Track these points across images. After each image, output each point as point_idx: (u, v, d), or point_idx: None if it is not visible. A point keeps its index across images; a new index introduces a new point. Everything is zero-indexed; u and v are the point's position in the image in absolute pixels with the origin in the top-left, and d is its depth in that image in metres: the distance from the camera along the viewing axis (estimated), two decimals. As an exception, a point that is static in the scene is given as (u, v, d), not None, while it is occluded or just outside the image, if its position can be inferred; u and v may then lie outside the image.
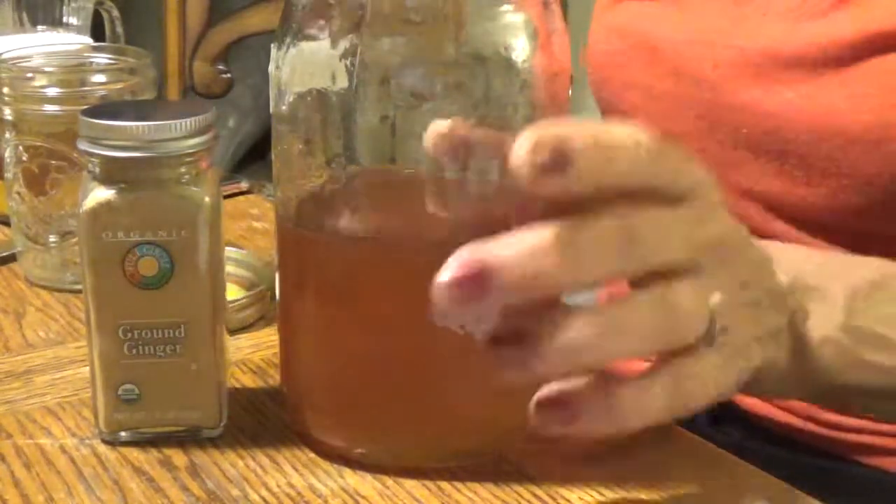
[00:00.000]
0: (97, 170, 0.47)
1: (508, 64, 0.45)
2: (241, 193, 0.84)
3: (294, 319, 0.49)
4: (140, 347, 0.48)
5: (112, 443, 0.49)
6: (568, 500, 0.46)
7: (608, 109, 0.77)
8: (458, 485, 0.47)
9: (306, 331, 0.49)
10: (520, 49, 0.45)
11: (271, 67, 0.47)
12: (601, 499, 0.46)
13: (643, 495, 0.46)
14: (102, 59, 0.71)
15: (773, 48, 0.65)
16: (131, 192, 0.47)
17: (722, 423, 0.71)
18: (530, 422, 0.43)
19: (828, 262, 0.54)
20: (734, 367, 0.46)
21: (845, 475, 0.61)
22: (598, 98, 0.78)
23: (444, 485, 0.47)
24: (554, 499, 0.46)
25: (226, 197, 0.51)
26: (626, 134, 0.40)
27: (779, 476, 0.48)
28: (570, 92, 0.48)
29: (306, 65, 0.46)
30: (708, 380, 0.44)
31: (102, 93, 0.66)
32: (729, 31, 0.68)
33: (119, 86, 0.66)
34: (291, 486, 0.47)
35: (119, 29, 0.95)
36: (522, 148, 0.38)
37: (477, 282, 0.38)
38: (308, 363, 0.49)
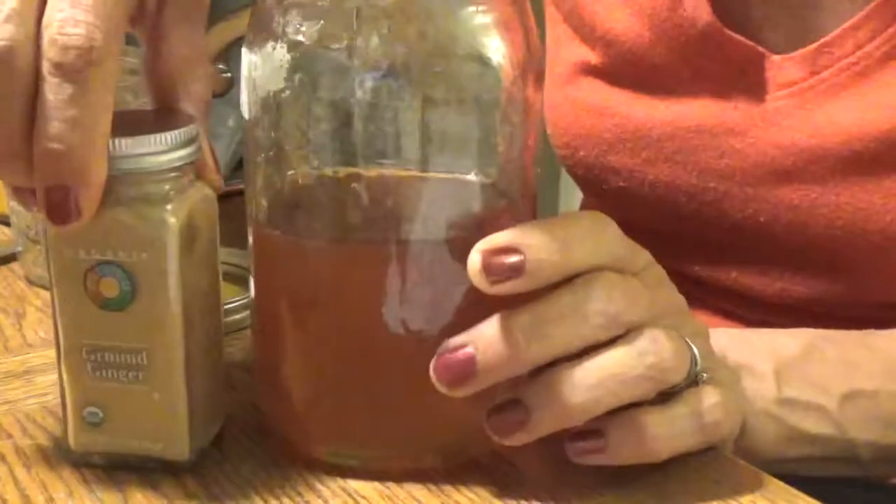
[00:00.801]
0: None
1: (481, 63, 0.45)
2: (241, 193, 0.84)
3: (268, 323, 0.49)
4: (103, 370, 0.46)
5: (81, 464, 0.48)
6: (568, 500, 0.46)
7: (588, 188, 0.75)
8: (458, 485, 0.47)
9: (279, 335, 0.48)
10: (492, 48, 0.45)
11: (244, 71, 0.46)
12: (601, 499, 0.46)
13: (642, 495, 0.46)
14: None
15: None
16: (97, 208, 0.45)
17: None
18: (566, 451, 0.46)
19: (751, 340, 0.56)
20: (739, 404, 0.49)
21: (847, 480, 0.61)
22: (574, 175, 0.75)
23: (444, 485, 0.47)
24: (554, 499, 0.46)
25: (225, 197, 0.51)
26: (575, 225, 0.44)
27: (779, 477, 0.48)
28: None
29: (274, 67, 0.45)
30: (729, 408, 0.46)
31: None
32: (730, 119, 0.66)
33: (119, 86, 0.66)
34: (291, 486, 0.47)
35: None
36: (475, 263, 0.43)
37: (463, 369, 0.43)
38: (282, 368, 0.48)
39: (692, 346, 0.46)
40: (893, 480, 0.63)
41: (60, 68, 0.41)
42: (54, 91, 0.41)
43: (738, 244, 0.67)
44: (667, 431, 0.45)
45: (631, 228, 0.46)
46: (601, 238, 0.45)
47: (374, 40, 0.44)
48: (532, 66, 0.46)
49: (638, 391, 0.44)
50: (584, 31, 0.71)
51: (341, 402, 0.47)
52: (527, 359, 0.43)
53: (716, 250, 0.68)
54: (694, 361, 0.46)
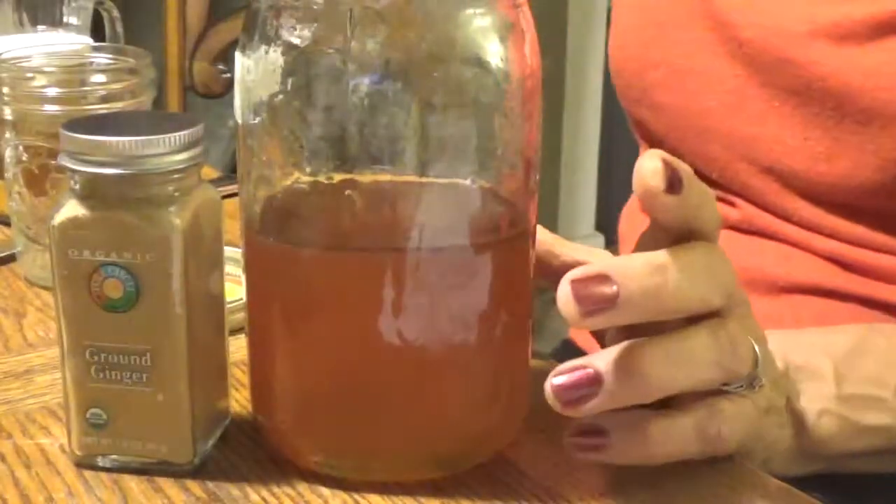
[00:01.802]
0: (77, 186, 0.46)
1: (479, 67, 0.45)
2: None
3: (262, 333, 0.48)
4: (107, 372, 0.46)
5: (85, 466, 0.48)
6: (568, 500, 0.46)
7: (630, 89, 0.77)
8: (459, 485, 0.47)
9: (273, 344, 0.47)
10: (491, 52, 0.45)
11: (237, 75, 0.46)
12: (601, 499, 0.46)
13: (642, 496, 0.46)
14: (102, 59, 0.71)
15: (797, 24, 0.66)
16: (101, 209, 0.45)
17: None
18: (565, 448, 0.46)
19: (806, 339, 0.57)
20: (760, 423, 0.49)
21: (844, 473, 0.61)
22: (618, 84, 0.78)
23: (445, 485, 0.47)
24: (554, 499, 0.46)
25: (226, 197, 0.51)
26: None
27: (778, 476, 0.49)
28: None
29: (268, 70, 0.44)
30: (738, 425, 0.47)
31: (102, 93, 0.66)
32: (750, 7, 0.68)
33: (119, 86, 0.66)
34: (292, 486, 0.47)
35: (119, 29, 0.95)
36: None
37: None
38: (276, 378, 0.48)
39: (757, 349, 0.47)
40: None
41: None
42: None
43: (749, 136, 0.69)
44: (669, 438, 0.46)
45: (661, 136, 0.45)
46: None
47: (370, 43, 0.43)
48: (532, 70, 0.46)
49: (708, 378, 0.45)
50: None
51: (337, 413, 0.46)
52: (664, 301, 0.43)
53: (725, 154, 0.70)
54: (756, 363, 0.47)
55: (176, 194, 0.46)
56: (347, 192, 0.45)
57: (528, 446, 0.49)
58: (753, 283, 0.68)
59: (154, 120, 0.49)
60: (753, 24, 0.68)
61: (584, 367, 0.43)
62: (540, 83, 0.47)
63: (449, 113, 0.44)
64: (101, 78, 0.68)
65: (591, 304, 0.41)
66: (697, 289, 0.43)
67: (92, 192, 0.45)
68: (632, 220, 0.82)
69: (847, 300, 0.68)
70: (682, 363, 0.44)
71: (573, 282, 0.42)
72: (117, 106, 0.66)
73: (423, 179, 0.44)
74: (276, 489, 0.46)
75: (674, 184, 0.43)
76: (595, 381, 0.43)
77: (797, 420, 0.52)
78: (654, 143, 0.76)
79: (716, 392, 0.46)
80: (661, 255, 0.43)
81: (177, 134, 0.45)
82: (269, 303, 0.47)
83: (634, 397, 0.44)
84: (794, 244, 0.69)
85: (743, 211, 0.71)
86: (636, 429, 0.45)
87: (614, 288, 0.41)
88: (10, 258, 0.71)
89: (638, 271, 0.42)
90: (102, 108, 0.65)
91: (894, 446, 0.55)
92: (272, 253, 0.47)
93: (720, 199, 0.72)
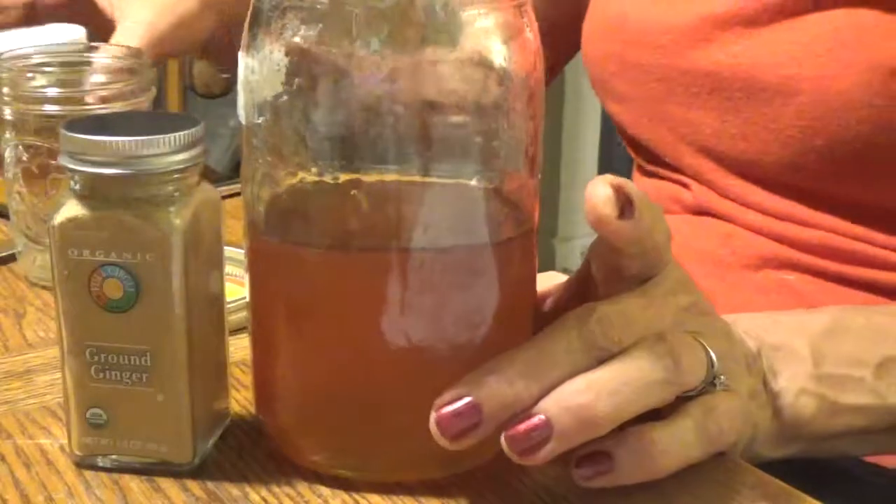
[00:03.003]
0: (77, 186, 0.46)
1: (483, 67, 0.45)
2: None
3: (265, 333, 0.48)
4: (107, 372, 0.46)
5: (85, 467, 0.48)
6: (568, 501, 0.46)
7: (597, 82, 0.80)
8: (459, 485, 0.47)
9: (276, 345, 0.47)
10: (494, 52, 0.45)
11: (241, 75, 0.46)
12: (601, 500, 0.46)
13: (642, 495, 0.46)
14: (102, 59, 0.71)
15: (711, 10, 0.69)
16: (101, 209, 0.45)
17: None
18: (573, 477, 0.46)
19: (782, 319, 0.57)
20: (749, 412, 0.49)
21: (844, 473, 0.61)
22: (591, 79, 0.81)
23: (445, 485, 0.47)
24: (554, 499, 0.46)
25: (225, 197, 0.51)
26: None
27: (777, 476, 0.48)
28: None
29: (272, 71, 0.44)
30: (734, 418, 0.47)
31: (102, 93, 0.66)
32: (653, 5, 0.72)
33: (119, 86, 0.66)
34: (291, 486, 0.47)
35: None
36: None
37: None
38: (279, 378, 0.48)
39: (710, 350, 0.47)
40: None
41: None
42: None
43: (673, 101, 0.72)
44: (674, 446, 0.46)
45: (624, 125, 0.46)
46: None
47: (374, 44, 0.43)
48: (535, 70, 0.46)
49: (657, 397, 0.45)
50: None
51: (339, 412, 0.46)
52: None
53: (664, 122, 0.73)
54: (711, 365, 0.46)
55: (176, 194, 0.46)
56: (352, 191, 0.45)
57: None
58: (702, 264, 0.70)
59: (154, 120, 0.49)
60: (681, 12, 0.71)
61: (533, 414, 0.44)
62: (543, 83, 0.47)
63: (451, 113, 0.44)
64: (101, 78, 0.68)
65: (456, 433, 0.43)
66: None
67: (92, 192, 0.45)
68: None
69: (794, 272, 0.69)
70: (627, 393, 0.44)
71: (437, 414, 0.43)
72: (117, 106, 0.66)
73: (428, 179, 0.44)
74: (276, 489, 0.46)
75: (625, 209, 0.44)
76: (546, 426, 0.43)
77: (775, 400, 0.52)
78: (624, 133, 0.80)
79: (701, 391, 0.46)
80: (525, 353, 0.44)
81: (177, 134, 0.45)
82: (272, 302, 0.47)
83: (588, 435, 0.44)
84: (735, 222, 0.71)
85: (695, 193, 0.74)
86: (639, 444, 0.45)
87: (477, 418, 0.43)
88: (10, 258, 0.71)
89: (495, 386, 0.43)
90: (102, 108, 0.65)
91: (874, 426, 0.55)
92: (276, 253, 0.47)
93: (676, 182, 0.75)
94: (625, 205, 0.44)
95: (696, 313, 0.48)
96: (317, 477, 0.47)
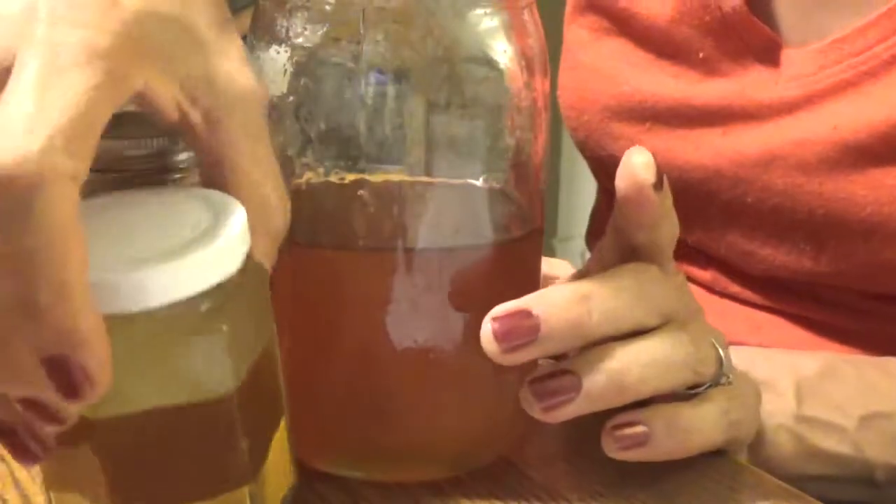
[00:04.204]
0: None
1: (488, 67, 0.45)
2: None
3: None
4: None
5: None
6: (568, 501, 0.46)
7: (588, 152, 0.76)
8: (459, 485, 0.47)
9: (280, 343, 0.46)
10: (499, 51, 0.45)
11: None
12: (601, 499, 0.46)
13: (642, 495, 0.46)
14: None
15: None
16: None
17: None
18: (603, 448, 0.45)
19: (773, 357, 0.57)
20: (755, 408, 0.49)
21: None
22: (576, 139, 0.77)
23: (445, 485, 0.47)
24: (554, 499, 0.46)
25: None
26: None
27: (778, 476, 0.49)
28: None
29: (277, 71, 0.44)
30: (750, 411, 0.47)
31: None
32: (736, 103, 0.67)
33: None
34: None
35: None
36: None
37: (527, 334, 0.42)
38: (284, 377, 0.47)
39: (720, 348, 0.47)
40: None
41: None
42: None
43: (726, 223, 0.68)
44: (701, 426, 0.46)
45: None
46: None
47: (380, 44, 0.43)
48: (540, 70, 0.46)
49: (678, 379, 0.45)
50: (606, 3, 0.73)
51: (340, 413, 0.46)
52: (589, 329, 0.43)
53: (705, 225, 0.70)
54: (720, 362, 0.47)
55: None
56: (358, 191, 0.44)
57: (528, 447, 0.49)
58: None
59: (141, 122, 0.48)
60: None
61: (564, 371, 0.43)
62: (548, 83, 0.47)
63: (457, 113, 0.44)
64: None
65: (513, 340, 0.42)
66: (626, 314, 0.44)
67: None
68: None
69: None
70: (657, 368, 0.44)
71: (494, 319, 0.42)
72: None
73: (433, 179, 0.44)
74: (276, 489, 0.46)
75: (659, 180, 0.44)
76: (576, 382, 0.43)
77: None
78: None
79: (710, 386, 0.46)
80: (585, 285, 0.43)
81: (161, 137, 0.44)
82: (274, 302, 0.47)
83: (611, 401, 0.44)
84: (761, 307, 0.69)
85: (713, 274, 0.71)
86: (673, 421, 0.45)
87: (536, 322, 0.42)
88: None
89: (560, 303, 0.42)
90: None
91: (846, 477, 0.55)
92: (281, 252, 0.47)
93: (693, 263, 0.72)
94: (659, 176, 0.44)
95: (700, 317, 0.48)
96: (316, 477, 0.47)
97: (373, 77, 0.43)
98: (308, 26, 0.44)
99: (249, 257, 0.38)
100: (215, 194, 0.39)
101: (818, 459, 0.54)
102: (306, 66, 0.44)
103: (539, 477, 0.48)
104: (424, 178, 0.44)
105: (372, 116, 0.43)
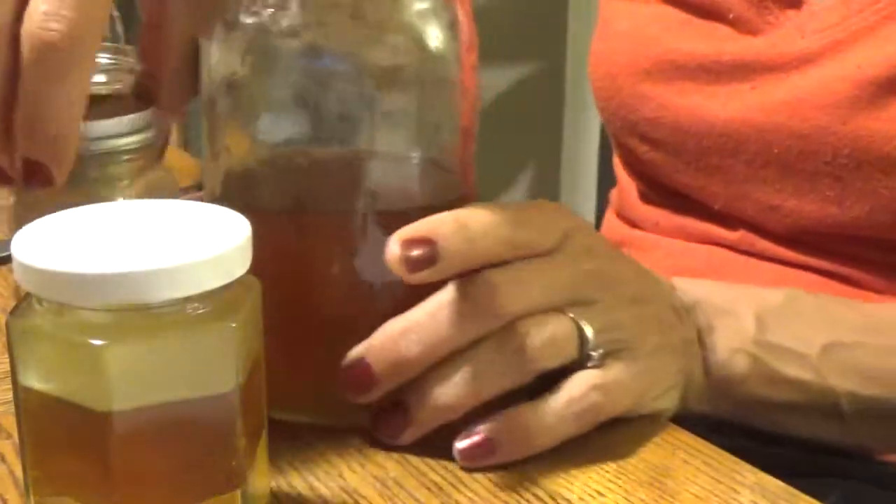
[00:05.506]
0: None
1: (420, 48, 0.49)
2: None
3: None
4: None
5: None
6: (568, 500, 0.46)
7: (617, 122, 0.76)
8: (458, 485, 0.47)
9: None
10: (431, 35, 0.48)
11: (202, 55, 0.50)
12: (602, 499, 0.46)
13: (643, 495, 0.46)
14: (102, 59, 0.70)
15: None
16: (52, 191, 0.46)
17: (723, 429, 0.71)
18: (457, 458, 0.48)
19: (735, 288, 0.57)
20: (647, 375, 0.50)
21: (844, 473, 0.61)
22: (606, 111, 0.77)
23: (444, 485, 0.47)
24: (554, 499, 0.46)
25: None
26: (485, 215, 0.46)
27: (778, 476, 0.48)
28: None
29: (229, 50, 0.48)
30: (616, 389, 0.47)
31: (103, 93, 0.66)
32: (765, 56, 0.69)
33: (119, 86, 0.66)
34: (291, 486, 0.47)
35: (119, 29, 0.94)
36: (394, 248, 0.45)
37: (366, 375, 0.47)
38: None
39: (584, 327, 0.47)
40: (884, 457, 0.63)
41: (40, 53, 0.42)
42: (34, 74, 0.43)
43: (752, 177, 0.69)
44: (544, 424, 0.47)
45: (655, 166, 0.51)
46: (502, 227, 0.47)
47: (323, 26, 0.48)
48: (469, 51, 0.49)
49: (508, 383, 0.47)
50: None
51: (290, 362, 0.48)
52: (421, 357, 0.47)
53: (732, 183, 0.70)
54: (585, 342, 0.47)
55: (127, 177, 0.48)
56: (303, 163, 0.50)
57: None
58: None
59: (106, 104, 0.51)
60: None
61: (399, 402, 0.48)
62: (476, 59, 0.50)
63: (394, 91, 0.49)
64: (101, 78, 0.68)
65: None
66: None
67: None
68: (612, 230, 0.85)
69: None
70: (480, 382, 0.46)
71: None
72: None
73: (371, 149, 0.49)
74: (275, 489, 0.46)
75: (423, 259, 0.45)
76: (407, 413, 0.48)
77: (710, 354, 0.53)
78: (646, 175, 0.77)
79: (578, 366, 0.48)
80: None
81: (127, 117, 0.47)
82: None
83: (444, 420, 0.48)
84: (790, 264, 0.69)
85: (741, 234, 0.72)
86: (514, 426, 0.47)
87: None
88: (10, 258, 0.71)
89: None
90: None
91: (812, 405, 0.55)
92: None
93: (719, 224, 0.73)
94: (421, 258, 0.45)
95: (598, 279, 0.49)
96: (316, 477, 0.47)
97: (314, 57, 0.48)
98: (256, 8, 0.48)
99: None
100: (223, 209, 0.41)
101: (779, 385, 0.54)
102: (254, 46, 0.48)
103: (539, 477, 0.48)
104: (363, 148, 0.49)
105: (315, 94, 0.48)
